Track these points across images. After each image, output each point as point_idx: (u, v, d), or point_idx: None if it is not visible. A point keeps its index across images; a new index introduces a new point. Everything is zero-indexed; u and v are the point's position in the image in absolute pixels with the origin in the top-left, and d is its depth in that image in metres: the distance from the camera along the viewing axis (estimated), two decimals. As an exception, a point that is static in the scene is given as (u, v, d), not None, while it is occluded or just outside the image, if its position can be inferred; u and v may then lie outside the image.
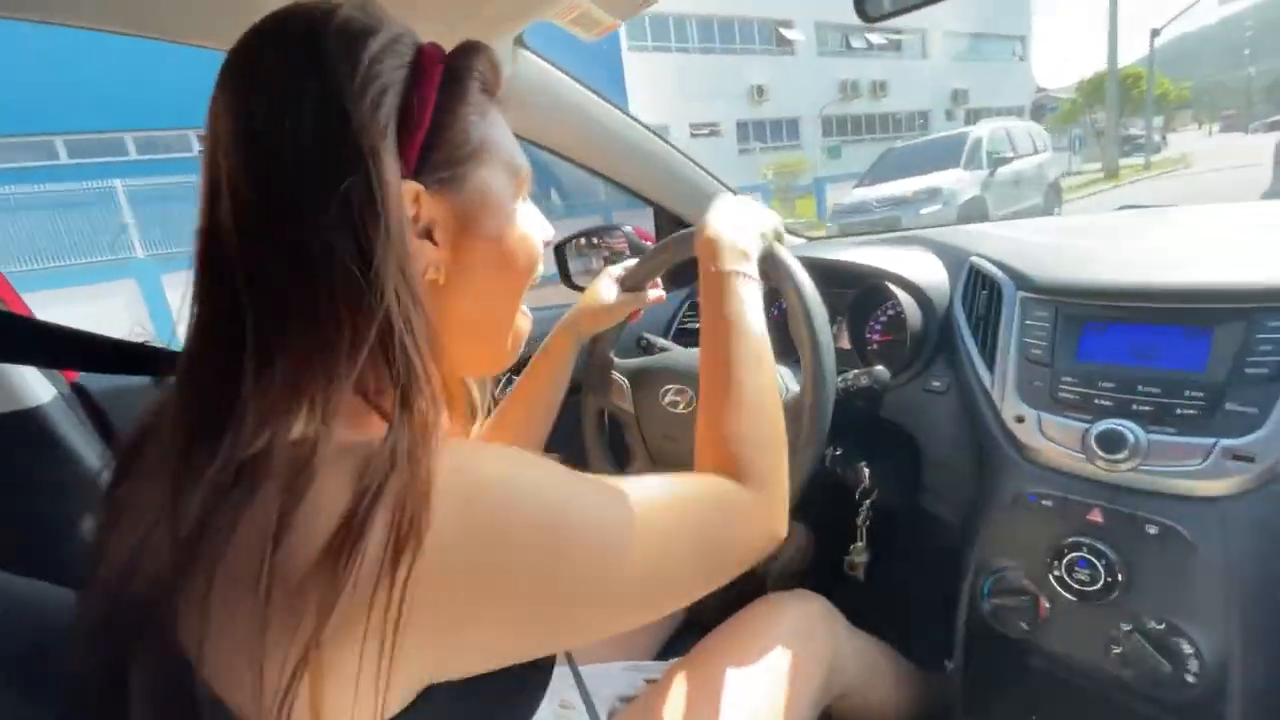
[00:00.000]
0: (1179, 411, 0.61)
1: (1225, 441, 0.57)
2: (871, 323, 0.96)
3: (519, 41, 0.89)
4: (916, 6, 0.62)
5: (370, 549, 0.29)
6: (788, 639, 0.71)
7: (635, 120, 1.07)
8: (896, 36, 25.92)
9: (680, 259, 0.77)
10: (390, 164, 0.35)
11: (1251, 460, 0.56)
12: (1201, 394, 0.60)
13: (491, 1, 0.75)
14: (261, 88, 0.36)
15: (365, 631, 0.29)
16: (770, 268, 0.65)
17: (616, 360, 0.90)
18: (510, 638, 0.34)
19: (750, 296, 0.57)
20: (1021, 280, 0.76)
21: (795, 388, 0.74)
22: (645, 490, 0.41)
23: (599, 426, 0.90)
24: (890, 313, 0.94)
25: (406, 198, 0.37)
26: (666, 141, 1.13)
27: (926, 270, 0.90)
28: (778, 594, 0.80)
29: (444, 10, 0.76)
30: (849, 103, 24.71)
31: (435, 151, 0.39)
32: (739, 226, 0.63)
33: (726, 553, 0.44)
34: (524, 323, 0.49)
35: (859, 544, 0.84)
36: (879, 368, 0.75)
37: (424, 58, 0.40)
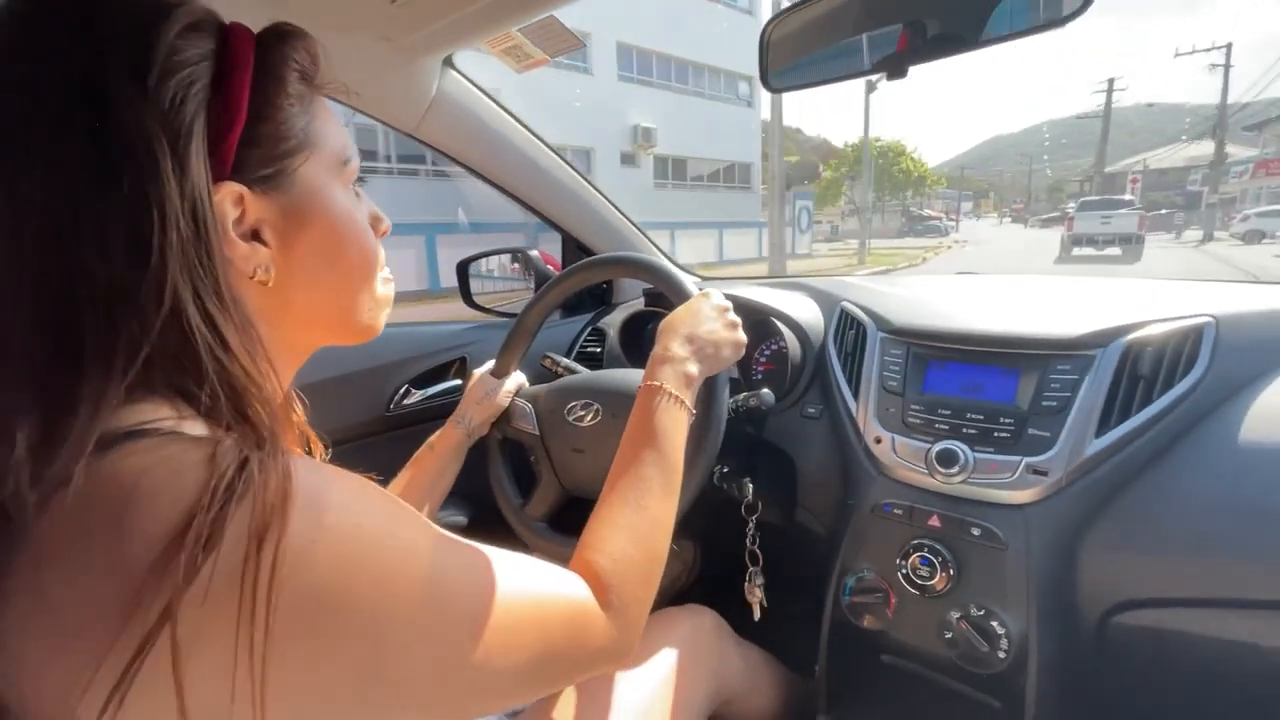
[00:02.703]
0: (996, 435, 0.75)
1: (1028, 459, 0.72)
2: (758, 354, 1.07)
3: (448, 62, 0.93)
4: (821, 82, 0.74)
5: (227, 544, 0.27)
6: (678, 651, 0.76)
7: (553, 151, 1.13)
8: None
9: (529, 342, 0.91)
10: (197, 166, 0.33)
11: (1045, 474, 0.70)
12: (1012, 421, 0.74)
13: (427, 22, 0.78)
14: (29, 63, 0.31)
15: (236, 638, 0.27)
16: (703, 392, 0.69)
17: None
18: (320, 688, 0.30)
19: (678, 422, 0.60)
20: (881, 323, 0.90)
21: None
22: (509, 572, 0.39)
23: (502, 455, 0.91)
24: (774, 346, 1.05)
25: (227, 200, 0.35)
26: (582, 176, 1.19)
27: (806, 311, 1.03)
28: (670, 609, 0.85)
29: (378, 23, 0.78)
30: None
31: (255, 147, 0.37)
32: (699, 352, 0.66)
33: (562, 665, 0.42)
34: (385, 289, 0.47)
35: (754, 569, 0.87)
36: (765, 390, 0.84)
37: (233, 44, 0.36)
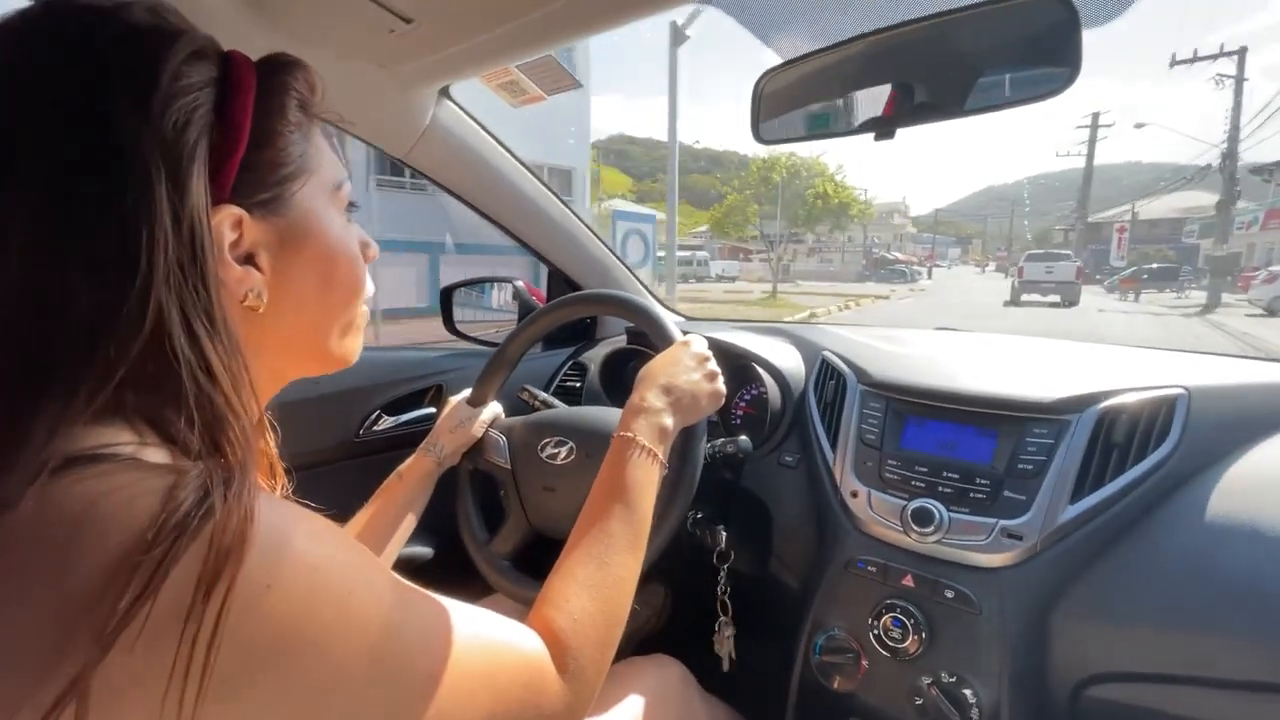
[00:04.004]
0: (971, 495, 0.74)
1: (1003, 522, 0.71)
2: (737, 399, 1.07)
3: (444, 92, 0.93)
4: (810, 137, 0.75)
5: (171, 586, 0.26)
6: (644, 702, 0.73)
7: (546, 186, 1.14)
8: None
9: (508, 372, 0.90)
10: (197, 189, 0.33)
11: (1020, 539, 0.70)
12: (988, 482, 0.74)
13: (424, 54, 0.79)
14: (30, 86, 0.31)
15: (167, 689, 0.25)
16: (678, 443, 0.68)
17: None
18: None
19: (649, 477, 0.59)
20: (862, 375, 0.90)
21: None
22: (468, 628, 0.38)
23: (472, 487, 0.88)
24: (755, 391, 1.05)
25: (225, 224, 0.35)
26: (573, 212, 1.20)
27: (787, 358, 1.03)
28: (637, 659, 0.82)
29: (375, 51, 0.78)
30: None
31: (255, 172, 0.37)
32: (677, 403, 0.65)
33: None
34: (360, 317, 0.47)
35: (724, 619, 0.86)
36: (743, 437, 0.83)
37: (235, 71, 0.37)
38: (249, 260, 0.38)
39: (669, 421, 0.64)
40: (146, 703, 0.26)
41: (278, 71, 0.40)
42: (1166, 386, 0.74)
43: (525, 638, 0.43)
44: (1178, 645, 0.63)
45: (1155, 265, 28.25)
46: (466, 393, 0.90)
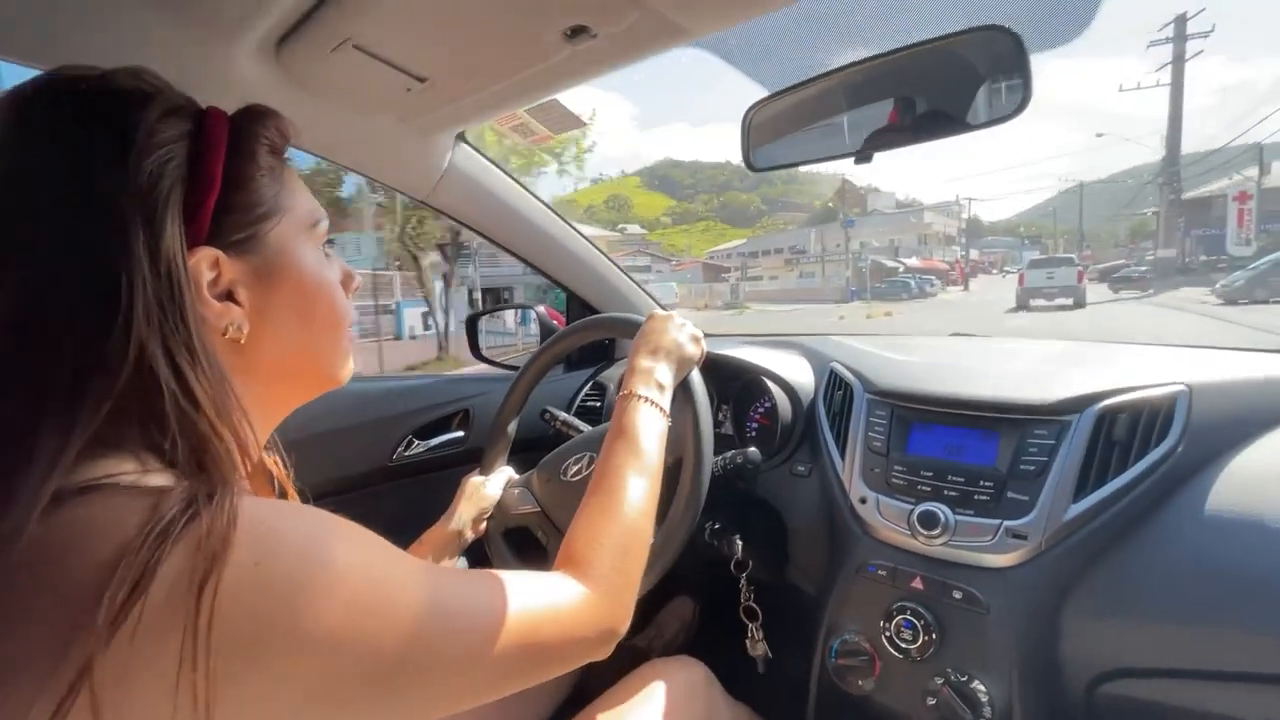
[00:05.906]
0: (976, 497, 0.76)
1: (1007, 522, 0.73)
2: (751, 411, 1.10)
3: (460, 136, 1.01)
4: (798, 163, 0.80)
5: (161, 583, 0.28)
6: (668, 700, 0.76)
7: (560, 217, 1.20)
8: None
9: (507, 439, 0.95)
10: (172, 233, 0.36)
11: (1024, 538, 0.71)
12: (991, 484, 0.76)
13: (440, 105, 0.86)
14: (23, 152, 0.36)
15: (177, 676, 0.28)
16: (681, 391, 0.75)
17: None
18: (297, 704, 0.32)
19: (651, 421, 0.65)
20: (867, 384, 0.92)
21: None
22: (480, 579, 0.41)
23: (508, 546, 0.90)
24: (767, 404, 1.08)
25: (203, 263, 0.38)
26: (588, 240, 1.26)
27: (797, 370, 1.06)
28: (662, 660, 0.85)
29: (395, 106, 0.85)
30: None
31: (230, 214, 0.40)
32: (667, 354, 0.73)
33: (548, 653, 0.44)
34: (345, 342, 0.50)
35: (753, 625, 0.89)
36: (752, 449, 0.87)
37: (209, 125, 0.40)
38: (229, 296, 0.41)
39: (662, 375, 0.70)
40: (160, 691, 0.28)
41: (250, 122, 0.43)
42: (1167, 384, 0.75)
43: (543, 577, 0.47)
44: (1188, 640, 0.64)
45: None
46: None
